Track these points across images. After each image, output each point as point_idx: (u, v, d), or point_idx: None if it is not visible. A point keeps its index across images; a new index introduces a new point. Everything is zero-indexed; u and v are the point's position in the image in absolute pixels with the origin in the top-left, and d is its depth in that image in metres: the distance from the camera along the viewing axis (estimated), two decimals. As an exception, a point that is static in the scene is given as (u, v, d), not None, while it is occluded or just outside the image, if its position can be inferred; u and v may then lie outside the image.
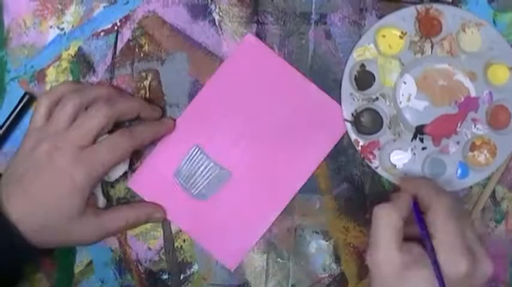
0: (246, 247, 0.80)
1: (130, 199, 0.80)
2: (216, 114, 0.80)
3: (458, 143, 0.78)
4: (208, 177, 0.79)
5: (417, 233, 0.65)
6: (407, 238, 0.65)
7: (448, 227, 0.63)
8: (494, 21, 0.79)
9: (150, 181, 0.80)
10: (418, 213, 0.66)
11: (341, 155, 0.80)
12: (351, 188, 0.80)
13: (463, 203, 0.71)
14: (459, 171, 0.78)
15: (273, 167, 0.80)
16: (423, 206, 0.66)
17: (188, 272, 0.81)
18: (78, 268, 0.81)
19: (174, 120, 0.79)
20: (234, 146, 0.80)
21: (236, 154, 0.80)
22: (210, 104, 0.80)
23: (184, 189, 0.80)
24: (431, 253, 0.62)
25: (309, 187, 0.80)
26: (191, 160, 0.79)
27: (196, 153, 0.80)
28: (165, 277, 0.80)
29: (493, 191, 0.80)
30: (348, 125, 0.78)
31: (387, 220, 0.65)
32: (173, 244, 0.80)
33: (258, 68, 0.79)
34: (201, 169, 0.79)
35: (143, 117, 0.76)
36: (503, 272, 0.81)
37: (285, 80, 0.79)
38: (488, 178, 0.79)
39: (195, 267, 0.80)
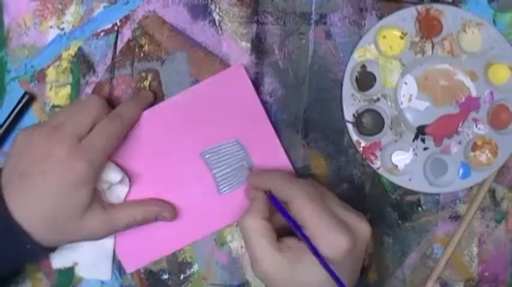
0: (151, 257, 0.80)
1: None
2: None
3: (459, 143, 0.78)
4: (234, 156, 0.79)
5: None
6: (282, 230, 0.66)
7: (313, 211, 0.64)
8: (494, 21, 0.79)
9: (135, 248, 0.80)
10: (280, 207, 0.66)
11: (341, 155, 0.80)
12: (351, 188, 0.80)
13: (321, 185, 0.71)
14: (461, 171, 0.78)
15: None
16: (282, 198, 0.67)
17: (188, 272, 0.80)
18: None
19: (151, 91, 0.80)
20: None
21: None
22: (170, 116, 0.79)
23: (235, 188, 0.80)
24: (306, 241, 0.63)
25: None
26: (214, 161, 0.79)
27: (209, 154, 0.79)
28: (165, 277, 0.80)
29: (493, 191, 0.80)
30: (350, 126, 0.78)
31: (253, 230, 0.66)
32: None
33: (231, 97, 0.79)
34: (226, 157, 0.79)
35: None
36: (503, 272, 0.81)
37: (251, 123, 0.79)
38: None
39: (195, 267, 0.80)
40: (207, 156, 0.78)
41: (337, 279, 0.63)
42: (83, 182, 0.69)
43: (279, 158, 0.79)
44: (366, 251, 0.68)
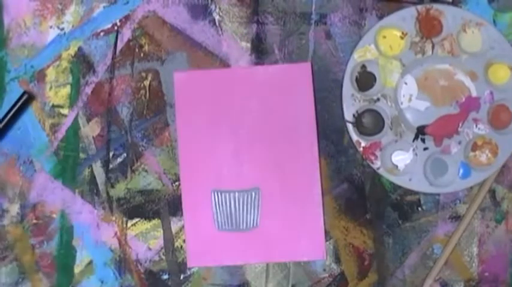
0: (321, 234, 0.79)
1: (131, 200, 0.79)
2: (206, 152, 0.79)
3: (459, 143, 0.77)
4: (244, 206, 0.78)
5: None
6: None
7: None
8: (494, 21, 0.79)
9: (204, 247, 0.79)
10: None
11: (341, 155, 0.79)
12: (351, 188, 0.79)
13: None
14: (461, 171, 0.77)
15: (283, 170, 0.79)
16: None
17: (188, 272, 0.80)
18: (78, 268, 0.80)
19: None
20: (239, 166, 0.79)
21: (246, 171, 0.79)
22: (195, 147, 0.79)
23: (234, 231, 0.79)
24: None
25: None
26: (219, 205, 0.79)
27: (218, 196, 0.79)
28: (165, 277, 0.80)
29: (493, 191, 0.80)
30: (350, 126, 0.78)
31: None
32: (173, 244, 0.80)
33: (208, 90, 0.79)
34: (233, 204, 0.78)
35: None
36: (503, 272, 0.80)
37: (238, 84, 0.79)
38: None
39: (195, 267, 0.79)
40: (223, 228, 0.79)
41: None
42: None
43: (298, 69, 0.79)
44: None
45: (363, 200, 0.79)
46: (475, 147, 0.77)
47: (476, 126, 0.77)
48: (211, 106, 0.79)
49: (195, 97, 0.79)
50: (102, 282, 0.80)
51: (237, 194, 0.78)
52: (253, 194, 0.78)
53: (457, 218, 0.79)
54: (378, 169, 0.77)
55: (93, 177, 0.79)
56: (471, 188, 0.79)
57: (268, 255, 0.79)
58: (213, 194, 0.78)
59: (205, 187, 0.79)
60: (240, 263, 0.79)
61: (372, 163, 0.77)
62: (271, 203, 0.78)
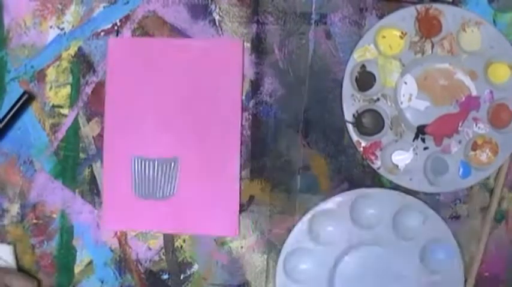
0: (235, 211, 0.79)
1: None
2: (131, 119, 0.79)
3: (460, 142, 0.77)
4: (162, 174, 0.78)
5: None
6: None
7: None
8: (494, 21, 0.78)
9: (119, 211, 0.79)
10: None
11: (341, 155, 0.79)
12: (351, 188, 0.78)
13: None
14: (461, 170, 0.77)
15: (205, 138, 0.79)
16: None
17: (188, 272, 0.79)
18: (78, 268, 0.79)
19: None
20: (161, 135, 0.79)
21: (167, 140, 0.79)
22: (121, 112, 0.79)
23: (151, 198, 0.79)
24: None
25: (310, 187, 0.79)
26: (139, 172, 0.78)
27: (138, 163, 0.78)
28: (165, 277, 0.79)
29: (493, 191, 0.79)
30: (350, 126, 0.77)
31: None
32: (173, 244, 0.79)
33: (140, 58, 0.79)
34: (152, 172, 0.78)
35: None
36: (503, 272, 0.80)
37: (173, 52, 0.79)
38: (488, 178, 0.78)
39: (195, 267, 0.79)
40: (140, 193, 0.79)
41: None
42: None
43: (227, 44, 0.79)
44: None
45: (363, 200, 0.79)
46: (475, 146, 0.77)
47: (476, 125, 0.77)
48: (140, 74, 0.78)
49: (126, 64, 0.78)
50: (102, 282, 0.79)
51: (156, 162, 0.78)
52: (172, 163, 0.78)
53: (457, 218, 0.79)
54: (378, 168, 0.77)
55: (93, 177, 0.79)
56: (471, 187, 0.78)
57: (182, 226, 0.79)
58: (133, 160, 0.78)
59: (127, 153, 0.78)
60: (154, 231, 0.79)
61: (372, 162, 0.77)
62: (189, 175, 0.78)
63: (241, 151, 0.78)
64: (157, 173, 0.78)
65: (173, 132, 0.78)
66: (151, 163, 0.78)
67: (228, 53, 0.78)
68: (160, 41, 0.78)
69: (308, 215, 0.77)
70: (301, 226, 0.77)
